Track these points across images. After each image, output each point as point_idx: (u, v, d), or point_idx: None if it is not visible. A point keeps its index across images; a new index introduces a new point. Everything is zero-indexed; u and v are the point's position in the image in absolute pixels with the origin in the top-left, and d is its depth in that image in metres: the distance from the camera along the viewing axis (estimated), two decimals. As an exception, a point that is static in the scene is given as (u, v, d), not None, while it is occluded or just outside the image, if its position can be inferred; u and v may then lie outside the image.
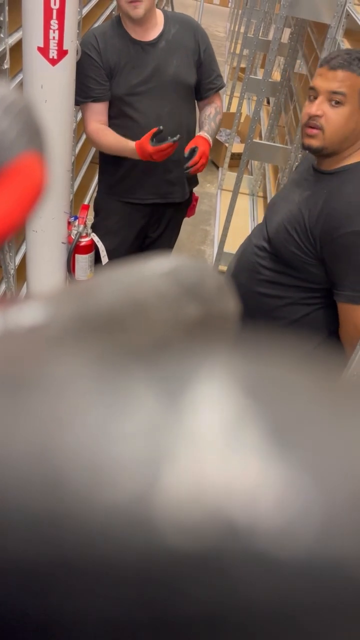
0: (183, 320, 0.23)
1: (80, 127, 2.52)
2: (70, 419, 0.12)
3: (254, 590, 0.10)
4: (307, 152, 1.30)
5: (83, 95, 1.74)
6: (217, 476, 0.11)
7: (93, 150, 2.75)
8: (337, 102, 1.18)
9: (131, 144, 1.74)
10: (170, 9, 5.19)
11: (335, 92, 1.18)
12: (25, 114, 0.29)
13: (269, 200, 3.05)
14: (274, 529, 0.11)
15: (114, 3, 2.89)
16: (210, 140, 1.88)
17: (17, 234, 1.93)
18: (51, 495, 0.11)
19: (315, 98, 1.22)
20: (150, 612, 0.11)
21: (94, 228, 1.91)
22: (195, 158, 1.79)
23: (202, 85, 1.87)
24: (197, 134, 1.89)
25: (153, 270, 0.24)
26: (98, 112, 1.80)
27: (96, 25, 2.39)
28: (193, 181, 2.04)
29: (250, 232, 1.52)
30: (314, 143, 1.22)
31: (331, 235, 1.20)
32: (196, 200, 2.14)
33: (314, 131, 1.21)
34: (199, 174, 1.95)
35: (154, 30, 1.74)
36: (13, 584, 0.11)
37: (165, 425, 0.12)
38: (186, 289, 0.24)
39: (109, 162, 1.90)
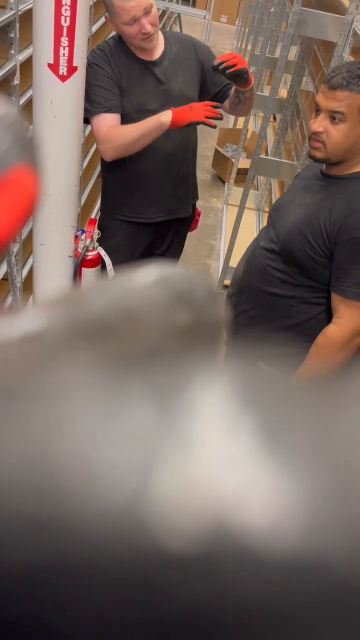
0: (174, 327, 0.24)
1: (88, 142, 2.55)
2: (65, 425, 0.12)
3: (244, 590, 0.11)
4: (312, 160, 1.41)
5: (95, 106, 1.69)
6: (207, 479, 0.11)
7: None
8: (337, 120, 1.27)
9: (157, 115, 1.65)
10: (178, 27, 5.26)
11: (334, 112, 1.27)
12: (17, 126, 0.29)
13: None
14: (261, 529, 0.11)
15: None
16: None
17: (8, 245, 1.94)
18: (46, 499, 0.11)
19: (319, 112, 1.30)
20: (142, 614, 0.11)
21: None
22: (224, 56, 1.59)
23: (222, 89, 1.85)
24: None
25: (144, 278, 0.24)
26: (111, 124, 1.71)
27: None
28: (195, 195, 2.05)
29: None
30: (318, 154, 1.33)
31: (350, 235, 1.28)
32: (199, 214, 2.15)
33: (317, 144, 1.32)
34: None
35: (157, 49, 1.76)
36: (8, 587, 0.11)
37: (158, 430, 0.12)
38: (177, 296, 0.25)
39: (114, 183, 1.89)
